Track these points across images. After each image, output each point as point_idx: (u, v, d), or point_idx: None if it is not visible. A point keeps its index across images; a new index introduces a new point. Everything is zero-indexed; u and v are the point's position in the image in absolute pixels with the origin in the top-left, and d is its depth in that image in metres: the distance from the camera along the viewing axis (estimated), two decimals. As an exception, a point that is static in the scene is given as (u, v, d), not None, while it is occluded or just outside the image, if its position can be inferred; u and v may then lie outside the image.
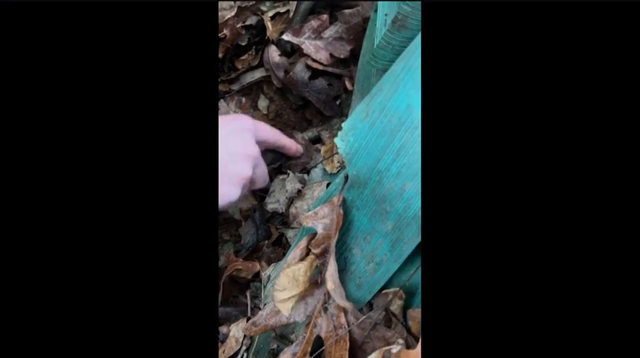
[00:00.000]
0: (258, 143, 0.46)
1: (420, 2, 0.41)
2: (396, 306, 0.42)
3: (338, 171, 0.54)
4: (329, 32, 0.58)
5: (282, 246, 0.58)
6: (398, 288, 0.42)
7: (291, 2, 0.60)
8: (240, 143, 0.44)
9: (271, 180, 0.54)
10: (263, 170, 0.48)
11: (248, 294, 0.55)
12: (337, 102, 0.60)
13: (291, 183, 0.53)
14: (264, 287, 0.53)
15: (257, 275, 0.56)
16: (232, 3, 0.60)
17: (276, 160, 0.55)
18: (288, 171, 0.54)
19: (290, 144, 0.52)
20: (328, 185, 0.52)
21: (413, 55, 0.36)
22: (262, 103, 0.63)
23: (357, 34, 0.57)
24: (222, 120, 0.44)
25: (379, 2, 0.48)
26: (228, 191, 0.43)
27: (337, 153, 0.54)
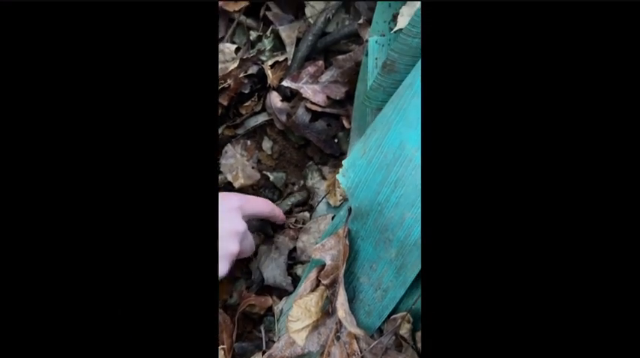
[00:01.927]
0: (249, 216, 0.52)
1: (404, 48, 0.46)
2: (405, 330, 0.44)
3: (341, 204, 0.57)
4: (325, 77, 0.63)
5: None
6: (405, 312, 0.44)
7: (288, 51, 0.65)
8: (227, 223, 0.48)
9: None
10: (250, 241, 0.53)
11: (262, 328, 0.57)
12: (335, 141, 0.64)
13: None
14: (278, 320, 0.55)
15: (269, 310, 0.58)
16: (235, 55, 0.65)
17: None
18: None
19: (279, 214, 0.58)
20: (333, 218, 0.55)
21: (402, 98, 0.40)
22: (266, 144, 0.67)
23: (351, 76, 0.62)
24: None
25: (369, 47, 0.53)
26: (219, 268, 0.47)
27: (339, 187, 0.58)
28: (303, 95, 0.62)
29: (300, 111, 0.63)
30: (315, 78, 0.63)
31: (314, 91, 0.63)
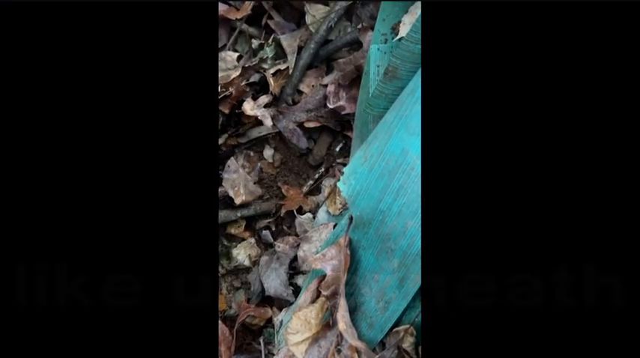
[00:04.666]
0: None
1: (406, 54, 0.45)
2: (408, 343, 0.43)
3: (341, 213, 0.56)
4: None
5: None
6: (408, 325, 0.43)
7: (289, 59, 0.65)
8: None
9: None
10: None
11: (261, 340, 0.55)
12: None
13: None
14: (277, 332, 0.54)
15: (269, 321, 0.56)
16: (237, 63, 0.65)
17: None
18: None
19: None
20: (334, 226, 0.54)
21: (404, 104, 0.39)
22: (267, 152, 0.66)
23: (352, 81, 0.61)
24: None
25: (371, 54, 0.53)
26: None
27: (339, 195, 0.57)
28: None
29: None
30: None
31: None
